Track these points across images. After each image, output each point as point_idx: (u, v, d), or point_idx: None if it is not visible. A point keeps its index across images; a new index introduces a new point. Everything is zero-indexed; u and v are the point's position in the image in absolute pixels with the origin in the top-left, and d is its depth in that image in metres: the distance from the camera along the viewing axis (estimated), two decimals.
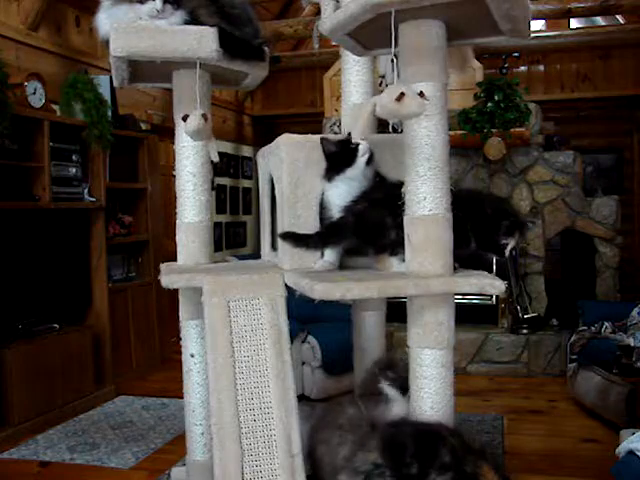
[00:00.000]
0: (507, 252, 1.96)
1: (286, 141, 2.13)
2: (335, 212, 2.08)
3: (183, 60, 2.25)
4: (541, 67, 6.43)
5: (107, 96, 4.21)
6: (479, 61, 5.12)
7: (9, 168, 3.55)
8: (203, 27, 2.21)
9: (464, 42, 1.96)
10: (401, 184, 1.89)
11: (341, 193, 2.07)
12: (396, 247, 1.93)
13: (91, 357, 4.03)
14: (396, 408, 2.04)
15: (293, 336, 3.66)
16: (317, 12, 4.79)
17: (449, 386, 1.84)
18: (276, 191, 2.27)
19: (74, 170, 4.01)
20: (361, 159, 2.04)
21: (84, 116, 4.01)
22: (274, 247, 2.48)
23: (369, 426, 1.92)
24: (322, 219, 2.15)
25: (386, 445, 1.72)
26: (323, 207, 2.14)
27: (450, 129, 1.89)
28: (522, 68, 6.39)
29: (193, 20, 2.23)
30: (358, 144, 2.06)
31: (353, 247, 2.08)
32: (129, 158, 4.71)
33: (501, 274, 4.65)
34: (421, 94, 1.67)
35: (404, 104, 1.63)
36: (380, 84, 4.72)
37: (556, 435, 3.47)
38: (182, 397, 2.48)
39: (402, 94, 1.62)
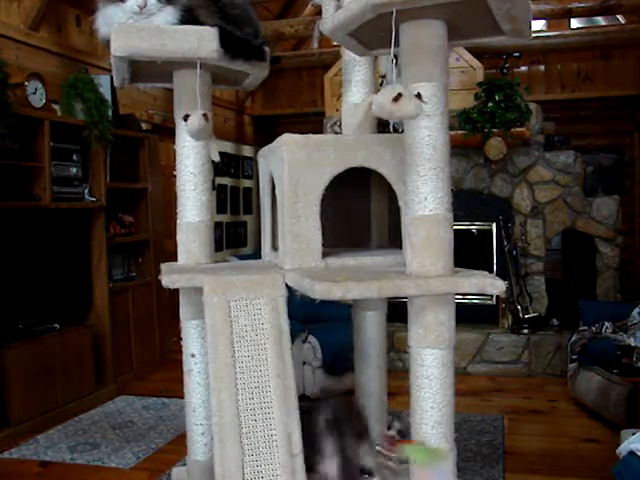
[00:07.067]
0: None
1: (287, 141, 2.13)
2: None
3: (184, 60, 2.24)
4: (542, 67, 6.43)
5: (108, 96, 4.22)
6: (479, 61, 5.12)
7: (10, 168, 3.55)
8: (204, 27, 2.21)
9: (465, 42, 1.96)
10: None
11: None
12: None
13: (91, 357, 4.03)
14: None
15: (294, 336, 3.65)
16: (318, 12, 4.79)
17: (450, 386, 1.83)
18: (277, 191, 2.27)
19: (74, 170, 4.01)
20: None
21: (85, 116, 4.02)
22: (275, 247, 2.48)
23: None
24: None
25: None
26: None
27: (451, 129, 1.88)
28: (523, 68, 6.38)
29: (193, 20, 2.22)
30: None
31: None
32: (130, 158, 4.71)
33: (501, 274, 4.66)
34: (418, 95, 1.66)
35: (401, 105, 1.62)
36: (381, 84, 4.71)
37: (556, 435, 3.47)
38: (182, 397, 2.47)
39: (399, 95, 1.61)
